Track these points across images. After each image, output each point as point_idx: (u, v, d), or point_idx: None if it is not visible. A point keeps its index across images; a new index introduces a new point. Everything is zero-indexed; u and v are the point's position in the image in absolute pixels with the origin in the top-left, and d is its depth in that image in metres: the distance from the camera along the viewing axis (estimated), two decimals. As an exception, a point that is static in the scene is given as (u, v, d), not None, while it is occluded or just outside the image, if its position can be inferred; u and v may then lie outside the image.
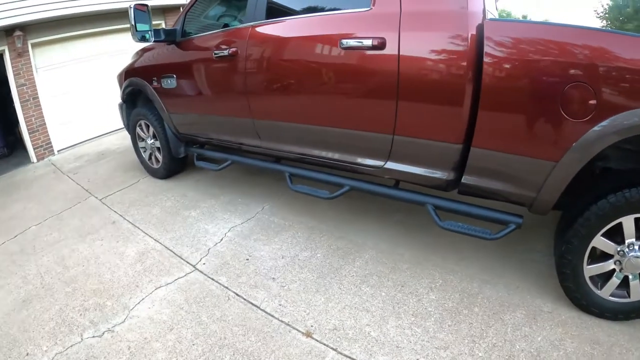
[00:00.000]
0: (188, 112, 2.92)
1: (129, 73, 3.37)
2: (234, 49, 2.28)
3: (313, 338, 1.68)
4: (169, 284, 2.13)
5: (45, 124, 4.74)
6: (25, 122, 4.58)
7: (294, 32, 2.06)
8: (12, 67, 4.35)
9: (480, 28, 1.50)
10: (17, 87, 4.41)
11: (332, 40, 1.84)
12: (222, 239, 2.51)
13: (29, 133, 4.62)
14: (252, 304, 1.92)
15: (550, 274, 1.89)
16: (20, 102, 4.47)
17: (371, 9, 1.74)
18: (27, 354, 1.77)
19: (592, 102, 1.35)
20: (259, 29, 2.21)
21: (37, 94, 4.60)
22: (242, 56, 2.25)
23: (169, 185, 3.44)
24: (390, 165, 1.90)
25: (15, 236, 2.89)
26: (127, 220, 2.90)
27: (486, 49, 1.48)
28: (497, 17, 1.81)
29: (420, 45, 1.61)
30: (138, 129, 3.52)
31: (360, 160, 2.02)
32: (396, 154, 1.86)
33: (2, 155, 5.29)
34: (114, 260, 2.41)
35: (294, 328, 1.75)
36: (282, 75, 2.12)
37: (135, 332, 1.82)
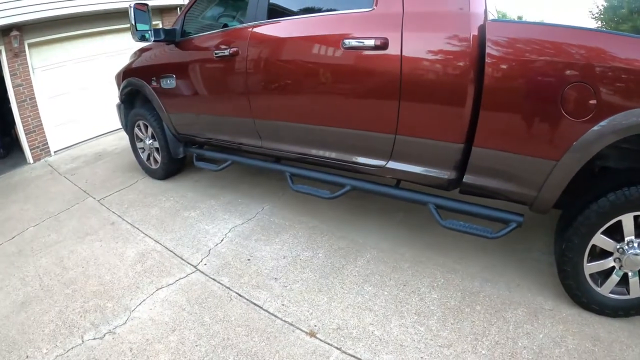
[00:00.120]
0: (188, 112, 2.91)
1: (127, 73, 3.35)
2: (234, 49, 2.28)
3: (317, 338, 1.69)
4: (170, 284, 2.12)
5: (41, 124, 4.69)
6: (22, 122, 4.54)
7: (295, 32, 2.07)
8: (9, 67, 4.31)
9: (482, 29, 1.52)
10: (13, 87, 4.37)
11: (334, 40, 1.85)
12: (222, 240, 2.51)
13: (26, 134, 4.58)
14: (254, 304, 1.92)
15: (550, 272, 1.91)
16: (17, 103, 4.43)
17: (374, 9, 1.75)
18: (27, 357, 1.75)
19: (592, 102, 1.37)
20: (260, 29, 2.21)
21: (33, 94, 4.56)
22: (243, 56, 2.25)
23: (168, 185, 3.43)
24: (392, 164, 1.91)
25: (13, 237, 2.86)
26: (126, 221, 2.89)
27: (488, 50, 1.49)
28: (497, 18, 1.82)
29: (423, 45, 1.63)
30: (136, 130, 3.51)
31: (361, 159, 2.03)
32: (398, 153, 1.87)
33: (-2, 156, 5.24)
34: (114, 261, 2.40)
35: (297, 328, 1.75)
36: (284, 75, 2.12)
37: (137, 333, 1.81)
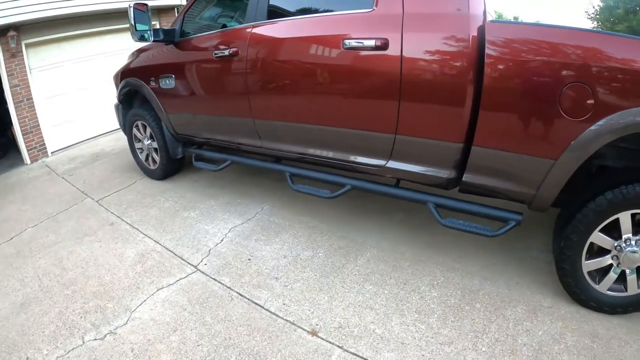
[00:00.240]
0: (187, 112, 2.91)
1: (125, 73, 3.35)
2: (234, 49, 2.29)
3: (318, 336, 1.70)
4: (170, 285, 2.12)
5: (39, 125, 4.67)
6: (19, 123, 4.52)
7: (296, 33, 2.07)
8: (6, 67, 4.29)
9: (481, 30, 1.53)
10: (10, 87, 4.35)
11: (334, 40, 1.86)
12: (222, 240, 2.51)
13: (23, 134, 4.56)
14: (256, 303, 1.92)
15: (548, 270, 1.93)
16: (14, 103, 4.41)
17: (374, 10, 1.77)
18: (27, 358, 1.75)
19: (590, 101, 1.39)
20: (260, 29, 2.22)
21: (30, 95, 4.54)
22: (243, 56, 2.26)
23: (167, 186, 3.43)
24: (392, 164, 1.93)
25: (11, 238, 2.85)
26: (125, 222, 2.88)
27: (487, 51, 1.51)
28: (496, 19, 1.84)
29: (423, 46, 1.64)
30: (135, 130, 3.50)
31: (361, 159, 2.04)
32: (398, 153, 1.88)
33: (-6, 157, 5.22)
34: (114, 261, 2.40)
35: (299, 327, 1.76)
36: (284, 75, 2.13)
37: (138, 334, 1.81)
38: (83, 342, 1.80)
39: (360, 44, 1.77)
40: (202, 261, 2.31)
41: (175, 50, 2.77)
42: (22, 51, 4.38)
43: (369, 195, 2.57)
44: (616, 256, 1.57)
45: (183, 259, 2.35)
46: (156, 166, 3.48)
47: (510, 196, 1.72)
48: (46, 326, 1.92)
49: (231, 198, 3.07)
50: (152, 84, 3.00)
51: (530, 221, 2.15)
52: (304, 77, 2.05)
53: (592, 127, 1.40)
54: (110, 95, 3.98)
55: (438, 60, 1.63)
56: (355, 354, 1.59)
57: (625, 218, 1.51)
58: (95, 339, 1.80)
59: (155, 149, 3.37)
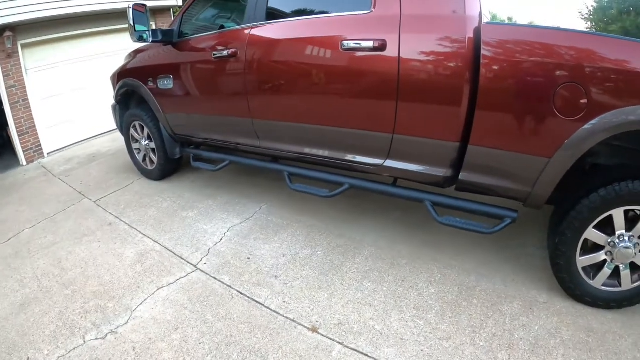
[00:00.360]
0: (185, 112, 2.92)
1: (122, 74, 3.35)
2: (233, 50, 2.31)
3: (319, 333, 1.72)
4: (171, 284, 2.14)
5: (35, 126, 4.65)
6: (15, 124, 4.49)
7: (294, 34, 2.10)
8: (1, 68, 4.26)
9: (477, 31, 1.57)
10: (6, 88, 4.32)
11: (333, 41, 1.88)
12: (221, 239, 2.53)
13: (19, 135, 4.53)
14: (256, 301, 1.94)
15: (543, 267, 1.97)
16: (10, 104, 4.38)
17: (372, 11, 1.79)
18: (28, 359, 1.75)
19: (583, 101, 1.43)
20: (259, 30, 2.24)
21: (26, 95, 4.51)
22: (241, 57, 2.27)
23: (164, 186, 3.43)
24: (390, 163, 1.95)
25: (9, 239, 2.84)
26: (124, 222, 2.88)
27: (483, 52, 1.54)
28: (491, 20, 1.87)
29: (420, 47, 1.67)
30: (132, 131, 3.50)
31: (359, 158, 2.06)
32: (395, 152, 1.91)
33: (-10, 158, 5.18)
34: (113, 261, 2.40)
35: (299, 324, 1.78)
36: (283, 75, 2.15)
37: (140, 332, 1.82)
38: (84, 341, 1.80)
39: (359, 45, 1.79)
40: (201, 260, 2.32)
41: (173, 50, 2.78)
42: (18, 52, 4.36)
43: (367, 194, 2.61)
44: (610, 252, 1.61)
45: (183, 259, 2.36)
46: (154, 167, 3.48)
47: (505, 194, 1.75)
48: (46, 326, 1.92)
49: (229, 198, 3.08)
50: (150, 84, 3.00)
51: (526, 219, 2.19)
52: (303, 78, 2.07)
53: (586, 126, 1.44)
54: (107, 96, 3.96)
55: (435, 61, 1.66)
56: (356, 350, 1.62)
57: (618, 214, 1.54)
58: (96, 339, 1.81)
59: (153, 150, 3.37)
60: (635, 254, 1.56)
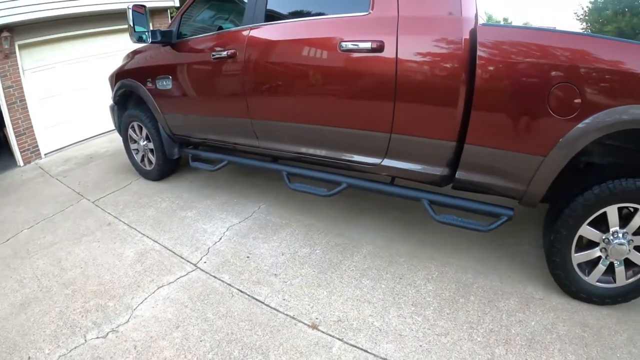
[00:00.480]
0: (184, 113, 2.93)
1: (121, 75, 3.36)
2: (232, 51, 2.32)
3: (319, 330, 1.74)
4: (171, 283, 2.15)
5: (32, 126, 4.64)
6: (12, 125, 4.48)
7: (293, 35, 2.12)
8: (-1, 68, 4.27)
9: (473, 33, 1.59)
10: (3, 89, 4.31)
11: (331, 43, 1.91)
12: (221, 238, 2.54)
13: (16, 136, 4.52)
14: (256, 299, 1.96)
15: (539, 264, 2.00)
16: (7, 105, 4.37)
17: (370, 13, 1.82)
18: (29, 358, 1.75)
19: (577, 101, 1.46)
20: (258, 31, 2.25)
21: (24, 96, 4.51)
22: (240, 58, 2.29)
23: (163, 186, 3.44)
24: (387, 162, 1.98)
25: (7, 240, 2.84)
26: (123, 222, 2.89)
27: (479, 53, 1.57)
28: (487, 22, 1.90)
29: (417, 48, 1.70)
30: (130, 131, 3.51)
31: (357, 158, 2.09)
32: (393, 151, 1.93)
33: (-14, 159, 5.15)
34: (113, 261, 2.41)
35: (299, 321, 1.80)
36: (281, 76, 2.17)
37: (141, 331, 1.83)
38: (85, 340, 1.81)
39: (357, 46, 1.82)
40: (201, 259, 2.33)
41: (172, 51, 2.79)
42: (15, 52, 4.35)
43: (365, 193, 2.63)
44: (604, 248, 1.64)
45: (182, 258, 2.37)
46: (152, 167, 3.49)
47: (501, 192, 1.78)
48: (47, 326, 1.93)
49: (228, 198, 3.09)
50: (149, 85, 3.01)
51: (521, 217, 2.22)
52: (302, 79, 2.09)
53: (580, 125, 1.47)
54: (104, 96, 3.97)
55: (432, 62, 1.69)
56: (355, 346, 1.64)
57: (612, 212, 1.58)
58: (97, 337, 1.82)
59: (151, 150, 3.38)
60: (629, 250, 1.59)
